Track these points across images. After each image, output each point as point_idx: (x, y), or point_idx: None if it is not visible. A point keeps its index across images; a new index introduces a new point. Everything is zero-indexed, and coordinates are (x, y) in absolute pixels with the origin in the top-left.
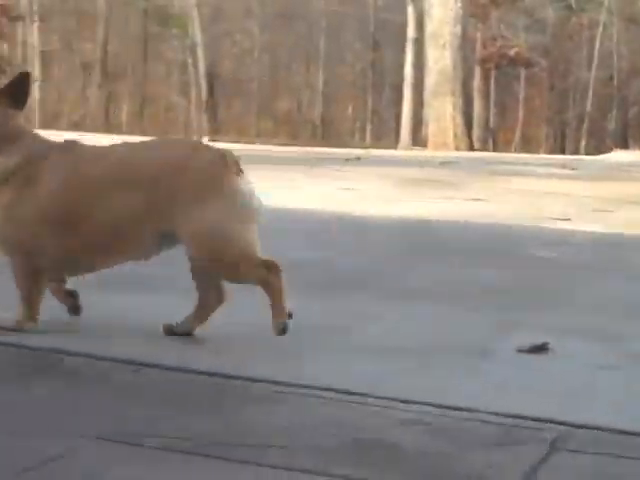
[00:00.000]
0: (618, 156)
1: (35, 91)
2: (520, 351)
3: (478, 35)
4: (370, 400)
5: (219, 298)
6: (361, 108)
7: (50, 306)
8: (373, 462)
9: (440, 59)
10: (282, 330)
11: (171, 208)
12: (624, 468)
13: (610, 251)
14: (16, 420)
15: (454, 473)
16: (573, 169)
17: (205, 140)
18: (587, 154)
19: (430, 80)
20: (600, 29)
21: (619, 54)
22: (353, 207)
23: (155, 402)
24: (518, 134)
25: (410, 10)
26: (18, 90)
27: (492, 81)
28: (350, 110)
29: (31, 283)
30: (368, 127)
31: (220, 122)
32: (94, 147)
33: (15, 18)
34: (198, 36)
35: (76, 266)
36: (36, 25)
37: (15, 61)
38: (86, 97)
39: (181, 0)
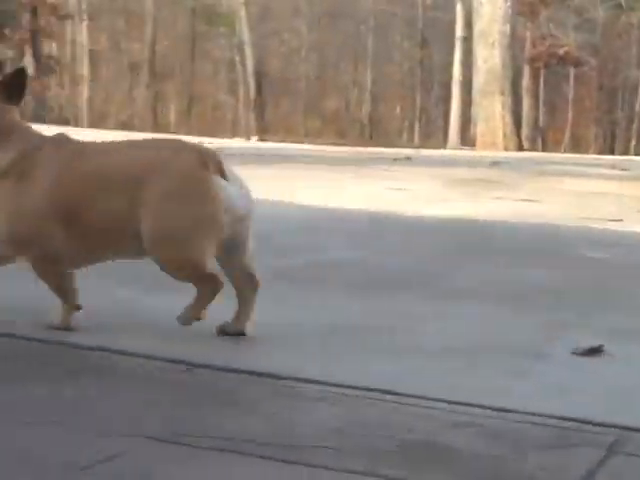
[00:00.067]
0: None
1: (84, 91)
2: (574, 353)
3: (527, 34)
4: (420, 402)
5: (253, 286)
6: (409, 107)
7: (99, 306)
8: (424, 464)
9: (489, 58)
10: (184, 321)
11: (142, 207)
12: None
13: None
14: (69, 419)
15: (507, 476)
16: (623, 170)
17: (254, 140)
18: (637, 154)
19: (479, 79)
20: None
21: None
22: (401, 207)
23: (206, 402)
24: (567, 134)
25: (459, 8)
26: (14, 85)
27: (541, 80)
28: (398, 109)
29: (55, 276)
30: (416, 126)
31: (268, 121)
32: (84, 142)
33: (64, 17)
34: (246, 35)
35: (71, 259)
36: (85, 24)
37: (64, 60)
38: (133, 97)
39: None
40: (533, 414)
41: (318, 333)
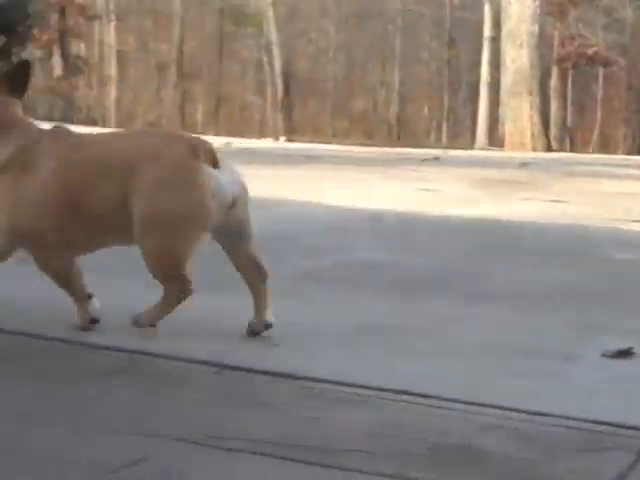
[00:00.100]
0: None
1: (111, 91)
2: (604, 356)
3: (556, 34)
4: (451, 404)
5: (261, 277)
6: (437, 107)
7: (128, 307)
8: (456, 467)
9: (517, 58)
10: (135, 323)
11: (134, 194)
12: None
13: None
14: (99, 421)
15: (538, 479)
16: None
17: (282, 140)
18: None
19: (507, 79)
20: None
21: None
22: (429, 207)
23: (236, 404)
24: (596, 134)
25: (487, 8)
26: (18, 79)
27: (569, 80)
28: (426, 109)
29: (57, 268)
30: (444, 126)
31: (295, 122)
32: (81, 134)
33: (92, 17)
34: (274, 35)
35: (72, 248)
36: (112, 24)
37: (92, 60)
38: (161, 97)
39: None
40: (563, 417)
41: (346, 334)
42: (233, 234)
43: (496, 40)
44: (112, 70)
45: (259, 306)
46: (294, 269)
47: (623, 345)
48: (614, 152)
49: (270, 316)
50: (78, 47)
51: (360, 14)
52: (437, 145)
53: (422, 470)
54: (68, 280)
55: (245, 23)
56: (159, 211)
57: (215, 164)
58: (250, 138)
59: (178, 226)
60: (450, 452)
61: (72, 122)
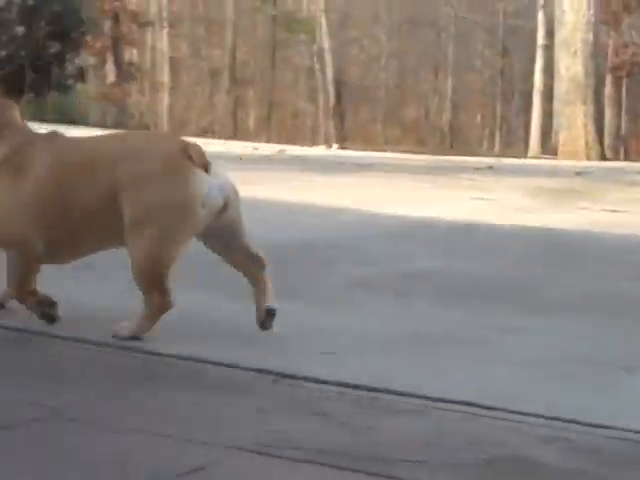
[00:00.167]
0: None
1: (164, 97)
2: None
3: (610, 42)
4: (508, 415)
5: (259, 264)
6: (490, 115)
7: (181, 314)
8: (512, 479)
9: (571, 66)
10: (116, 336)
11: (123, 193)
12: None
13: None
14: (160, 428)
15: None
16: None
17: (335, 148)
18: None
19: (561, 88)
20: None
21: None
22: (485, 216)
23: (295, 414)
24: None
25: (540, 16)
26: (13, 82)
27: (624, 89)
28: (479, 117)
29: (22, 271)
30: (497, 135)
31: (347, 129)
32: (72, 138)
33: (145, 24)
34: (326, 42)
35: (62, 252)
36: (165, 31)
37: (144, 67)
38: (214, 103)
39: (309, 5)
40: (625, 430)
41: (400, 343)
42: (226, 235)
43: (550, 48)
44: (165, 77)
45: (259, 293)
46: (347, 277)
47: None
48: None
49: (271, 301)
50: (131, 54)
51: (412, 21)
52: (489, 154)
53: None
54: (23, 276)
55: (297, 30)
56: (149, 207)
57: (206, 167)
58: (302, 145)
59: (166, 223)
60: (506, 464)
61: (125, 128)
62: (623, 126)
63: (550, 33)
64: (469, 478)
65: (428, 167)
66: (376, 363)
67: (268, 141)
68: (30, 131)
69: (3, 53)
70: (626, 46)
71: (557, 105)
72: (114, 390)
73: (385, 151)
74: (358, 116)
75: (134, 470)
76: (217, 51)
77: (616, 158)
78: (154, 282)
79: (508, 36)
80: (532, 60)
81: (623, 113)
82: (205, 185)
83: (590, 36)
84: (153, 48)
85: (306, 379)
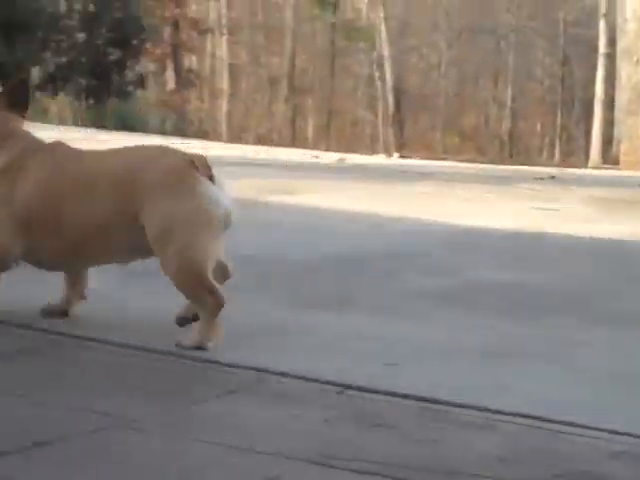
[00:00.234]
0: None
1: (223, 104)
2: None
3: None
4: (581, 431)
5: (224, 278)
6: (550, 124)
7: (249, 324)
8: None
9: (633, 75)
10: (195, 348)
11: (137, 211)
12: None
13: None
14: (227, 439)
15: None
16: None
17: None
18: None
19: (622, 97)
20: None
21: None
22: (549, 227)
23: (360, 425)
24: None
25: (602, 25)
26: (16, 94)
27: None
28: (539, 126)
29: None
30: (557, 144)
31: (406, 137)
32: (76, 149)
33: (204, 31)
34: (385, 50)
35: (59, 264)
36: (225, 38)
37: (203, 74)
38: (272, 111)
39: (369, 13)
40: None
41: (468, 355)
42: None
43: (611, 57)
44: (224, 83)
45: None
46: (409, 287)
47: None
48: None
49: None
50: (190, 61)
51: (472, 29)
52: (549, 163)
53: None
54: None
55: (357, 38)
56: (165, 220)
57: (211, 178)
58: (361, 154)
59: (187, 231)
60: (576, 479)
61: (184, 135)
62: None
63: (612, 41)
64: None
65: (489, 176)
66: (439, 375)
67: (327, 149)
68: (34, 141)
69: (64, 60)
70: None
71: (618, 114)
72: (178, 400)
73: (444, 159)
74: (417, 124)
75: None
76: (276, 59)
77: None
78: (198, 288)
79: (569, 44)
80: (593, 68)
81: None
82: (214, 191)
83: None
84: (212, 55)
85: (370, 391)
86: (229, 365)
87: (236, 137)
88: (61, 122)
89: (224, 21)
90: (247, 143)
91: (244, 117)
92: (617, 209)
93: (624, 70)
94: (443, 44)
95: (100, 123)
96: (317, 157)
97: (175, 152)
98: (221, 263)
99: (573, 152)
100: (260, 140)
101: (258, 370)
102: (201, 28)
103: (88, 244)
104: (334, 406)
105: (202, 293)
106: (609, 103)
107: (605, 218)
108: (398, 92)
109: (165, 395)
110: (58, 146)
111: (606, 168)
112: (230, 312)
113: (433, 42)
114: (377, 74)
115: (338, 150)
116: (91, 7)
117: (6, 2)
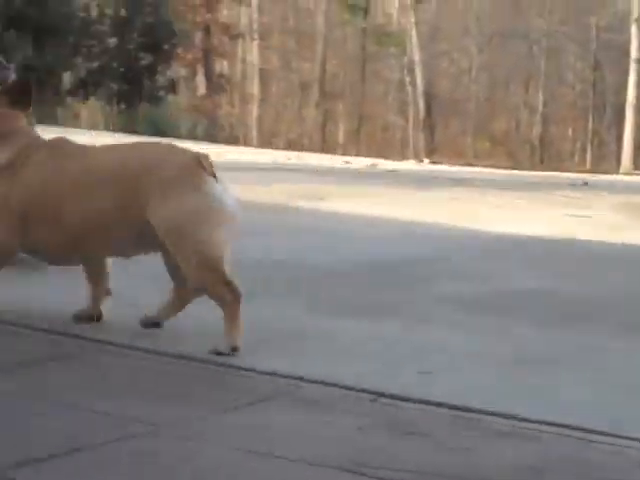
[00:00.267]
0: None
1: (253, 109)
2: None
3: None
4: (613, 440)
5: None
6: (581, 130)
7: (279, 331)
8: None
9: None
10: (231, 350)
11: (144, 206)
12: None
13: None
14: (262, 446)
15: None
16: None
17: (426, 162)
18: None
19: None
20: None
21: None
22: (583, 234)
23: (393, 433)
24: None
25: (634, 30)
26: (18, 93)
27: None
28: (570, 132)
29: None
30: (588, 149)
31: (437, 142)
32: (79, 145)
33: (235, 36)
34: (416, 55)
35: (60, 258)
36: (256, 43)
37: (234, 79)
38: (303, 116)
39: (400, 18)
40: None
41: (501, 363)
42: None
43: None
44: (255, 88)
45: (173, 307)
46: (443, 294)
47: None
48: None
49: (165, 319)
50: (221, 66)
51: (503, 34)
52: (581, 169)
53: None
54: None
55: (387, 43)
56: (177, 216)
57: (215, 177)
58: (391, 159)
59: (198, 227)
60: None
61: (215, 140)
62: None
63: None
64: None
65: (522, 182)
66: (472, 383)
67: (357, 154)
68: (37, 138)
69: (95, 64)
70: None
71: None
72: (209, 407)
73: (475, 165)
74: (448, 129)
75: None
76: (307, 64)
77: None
78: (217, 283)
79: (600, 49)
80: (625, 73)
81: None
82: (220, 190)
83: None
84: (243, 60)
85: (403, 399)
86: (263, 372)
87: (266, 142)
88: (92, 127)
89: (255, 26)
90: (277, 148)
91: (275, 122)
92: None
93: None
94: (474, 49)
95: (131, 128)
96: (348, 162)
97: (183, 150)
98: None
99: (604, 157)
100: (290, 145)
101: (292, 378)
102: (232, 33)
103: (89, 238)
104: (367, 414)
105: (221, 289)
106: None
107: (637, 225)
108: (429, 97)
109: (197, 401)
110: (61, 142)
111: (637, 174)
112: (262, 317)
113: (464, 47)
114: (408, 79)
115: (368, 155)
116: (123, 12)
117: (37, 7)
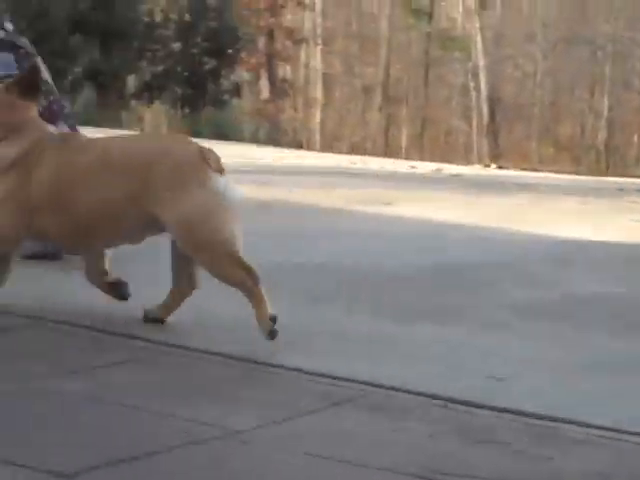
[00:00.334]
0: None
1: (316, 114)
2: None
3: None
4: None
5: (192, 285)
6: None
7: (344, 335)
8: None
9: None
10: (270, 333)
11: (151, 196)
12: None
13: None
14: (332, 451)
15: None
16: None
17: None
18: None
19: None
20: None
21: None
22: None
23: (467, 440)
24: None
25: None
26: (28, 83)
27: None
28: (635, 137)
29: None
30: None
31: (501, 147)
32: (89, 139)
33: (299, 41)
34: (480, 60)
35: (73, 246)
36: (319, 48)
37: (297, 83)
38: (366, 120)
39: (464, 23)
40: None
41: (573, 371)
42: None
43: None
44: (318, 93)
45: (172, 304)
46: (510, 299)
47: None
48: None
49: (165, 316)
50: (285, 70)
51: (568, 40)
52: None
53: None
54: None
55: (452, 47)
56: (188, 208)
57: (221, 172)
58: (455, 163)
59: (210, 217)
60: None
61: (278, 144)
62: None
63: None
64: None
65: (587, 188)
66: (546, 390)
67: (420, 159)
68: (48, 130)
69: (160, 68)
70: None
71: None
72: (282, 411)
73: (540, 170)
74: (512, 134)
75: None
76: (370, 68)
77: None
78: (235, 270)
79: None
80: None
81: None
82: (224, 184)
83: None
84: (306, 65)
85: (475, 405)
86: (331, 377)
87: (329, 146)
88: (156, 130)
89: (319, 31)
90: (340, 152)
91: (337, 126)
92: None
93: None
94: (539, 54)
95: (195, 131)
96: (414, 167)
97: (189, 143)
98: (193, 273)
99: None
100: (353, 149)
101: (358, 382)
102: (296, 38)
103: (99, 228)
104: (439, 420)
105: (240, 275)
106: None
107: None
108: (493, 102)
109: (269, 406)
110: (71, 136)
111: None
112: (329, 322)
113: (529, 52)
114: (472, 84)
115: (431, 159)
116: (187, 17)
117: (104, 12)
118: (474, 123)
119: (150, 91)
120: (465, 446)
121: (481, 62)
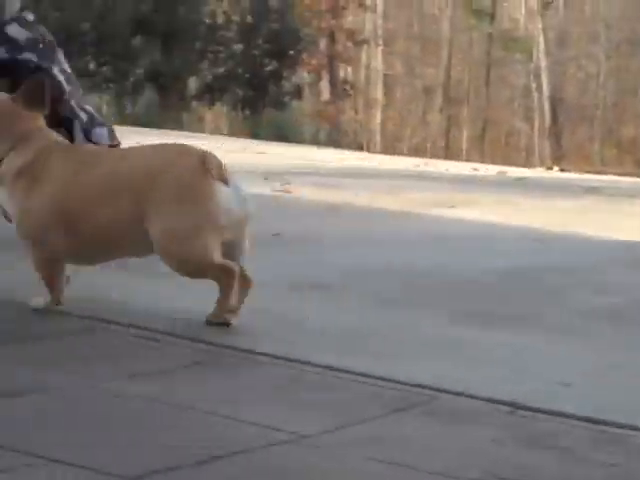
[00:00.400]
0: None
1: (377, 115)
2: None
3: None
4: None
5: (246, 285)
6: None
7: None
8: None
9: None
10: (217, 323)
11: (147, 210)
12: None
13: None
14: (396, 456)
15: None
16: None
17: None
18: None
19: None
20: None
21: None
22: None
23: (532, 446)
24: None
25: None
26: (32, 94)
27: None
28: None
29: (47, 269)
30: None
31: (564, 149)
32: (94, 149)
33: (360, 42)
34: (543, 60)
35: (76, 259)
36: (380, 49)
37: (358, 84)
38: (427, 121)
39: (527, 24)
40: None
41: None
42: (229, 250)
43: None
44: (378, 94)
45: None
46: (581, 305)
47: None
48: None
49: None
50: (345, 71)
51: (632, 41)
52: None
53: None
54: (53, 282)
55: (514, 48)
56: (171, 225)
57: (224, 179)
58: (518, 166)
59: (194, 237)
60: None
61: (338, 146)
62: None
63: None
64: None
65: None
66: (612, 396)
67: (481, 161)
68: (53, 140)
69: (221, 70)
70: None
71: None
72: (348, 416)
73: (603, 172)
74: (574, 135)
75: None
76: (431, 69)
77: None
78: (208, 272)
79: None
80: None
81: None
82: (223, 195)
83: None
84: (367, 66)
85: (542, 411)
86: (398, 382)
87: (390, 147)
88: (216, 131)
89: (380, 32)
90: (401, 153)
91: (398, 127)
92: None
93: None
94: (602, 55)
95: (256, 133)
96: (475, 169)
97: (189, 155)
98: (244, 274)
99: None
100: (414, 150)
101: (422, 387)
102: (357, 39)
103: (103, 244)
104: (505, 426)
105: (217, 276)
106: None
107: None
108: (555, 103)
109: (334, 411)
110: (76, 146)
111: None
112: (396, 326)
113: (592, 53)
114: (534, 85)
115: (492, 161)
116: (249, 19)
117: (166, 13)
118: (536, 125)
119: (211, 93)
120: (530, 452)
121: (543, 63)
